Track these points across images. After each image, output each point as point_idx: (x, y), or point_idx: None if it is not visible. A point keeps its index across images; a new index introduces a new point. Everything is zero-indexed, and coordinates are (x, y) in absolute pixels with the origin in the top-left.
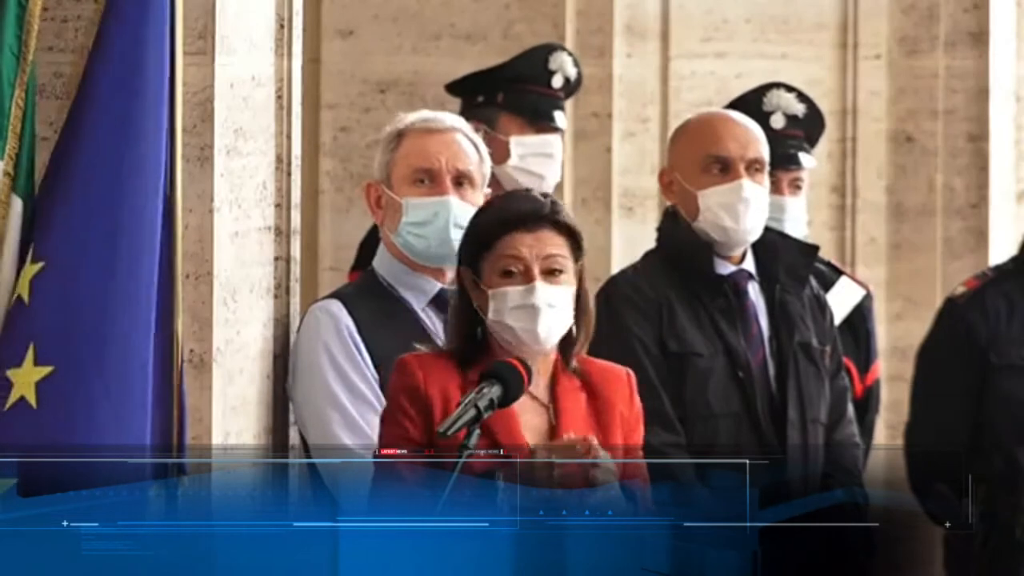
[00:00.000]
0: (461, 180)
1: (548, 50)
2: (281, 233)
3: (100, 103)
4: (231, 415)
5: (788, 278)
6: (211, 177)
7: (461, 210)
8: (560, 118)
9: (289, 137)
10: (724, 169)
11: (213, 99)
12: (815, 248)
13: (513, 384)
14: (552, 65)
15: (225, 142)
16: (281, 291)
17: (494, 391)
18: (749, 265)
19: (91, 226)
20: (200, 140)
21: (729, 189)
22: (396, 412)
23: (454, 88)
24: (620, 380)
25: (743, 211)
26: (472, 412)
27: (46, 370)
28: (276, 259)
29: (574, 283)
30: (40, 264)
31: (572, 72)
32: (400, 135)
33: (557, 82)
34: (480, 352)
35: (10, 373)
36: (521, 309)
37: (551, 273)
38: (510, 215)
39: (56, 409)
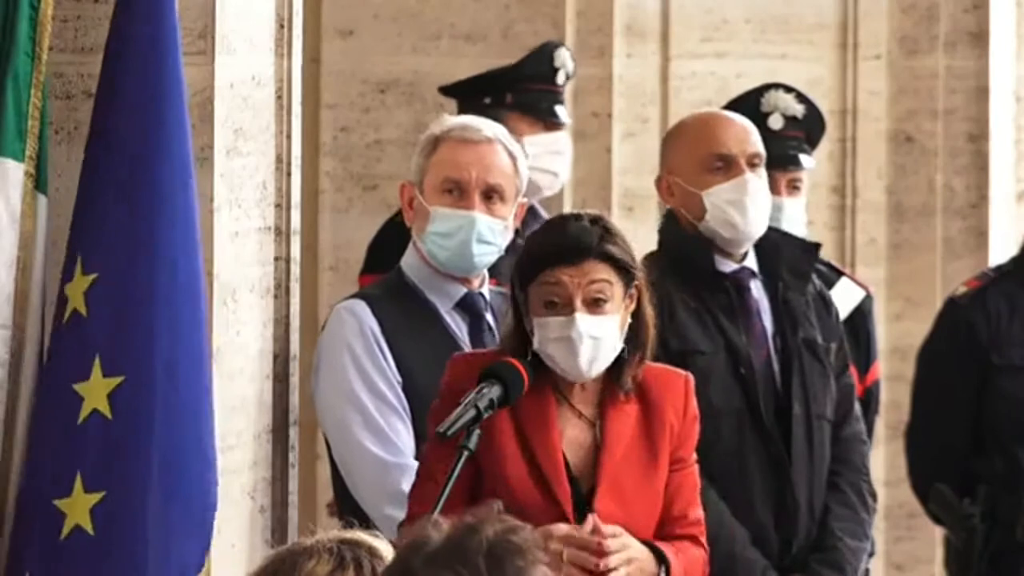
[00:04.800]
0: (491, 194)
1: (552, 47)
2: (281, 233)
3: (126, 109)
4: (231, 415)
5: (791, 275)
6: (211, 177)
7: (486, 225)
8: (564, 113)
9: (289, 137)
10: (727, 167)
11: (213, 99)
12: (817, 246)
13: (513, 384)
14: (557, 62)
15: (225, 142)
16: (281, 291)
17: (494, 391)
18: (751, 263)
19: (135, 236)
20: (200, 140)
21: (734, 186)
22: (444, 406)
23: (458, 90)
24: (674, 387)
25: (750, 206)
26: (472, 412)
27: (117, 380)
28: (276, 259)
29: (620, 311)
30: (94, 276)
31: (571, 67)
32: (436, 141)
33: (560, 78)
34: (533, 362)
35: (79, 388)
36: (560, 341)
37: (594, 303)
38: (552, 249)
39: (131, 419)
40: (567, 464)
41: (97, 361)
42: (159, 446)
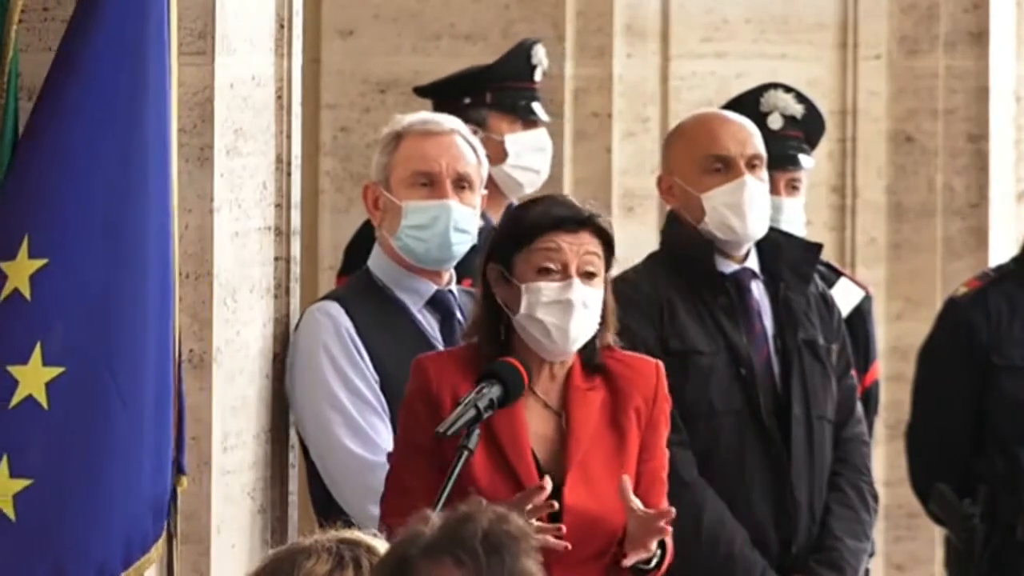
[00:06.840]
0: (461, 183)
1: (529, 45)
2: (281, 233)
3: (95, 100)
4: (231, 415)
5: (792, 276)
6: (211, 177)
7: (461, 214)
8: (542, 111)
9: (289, 137)
10: (725, 168)
11: (213, 99)
12: (819, 246)
13: (513, 384)
14: (534, 59)
15: (225, 142)
16: (281, 291)
17: (494, 391)
18: (752, 264)
19: (94, 224)
20: (200, 140)
21: (733, 188)
22: (407, 414)
23: (434, 90)
24: (644, 373)
25: (748, 208)
26: (472, 412)
27: (57, 371)
28: (276, 259)
29: (603, 288)
30: (43, 261)
31: (547, 63)
32: (398, 137)
33: (538, 75)
34: (502, 351)
35: (14, 370)
36: (556, 305)
37: (587, 275)
38: (555, 216)
39: (68, 411)
40: (535, 458)
41: (39, 348)
42: (100, 442)
